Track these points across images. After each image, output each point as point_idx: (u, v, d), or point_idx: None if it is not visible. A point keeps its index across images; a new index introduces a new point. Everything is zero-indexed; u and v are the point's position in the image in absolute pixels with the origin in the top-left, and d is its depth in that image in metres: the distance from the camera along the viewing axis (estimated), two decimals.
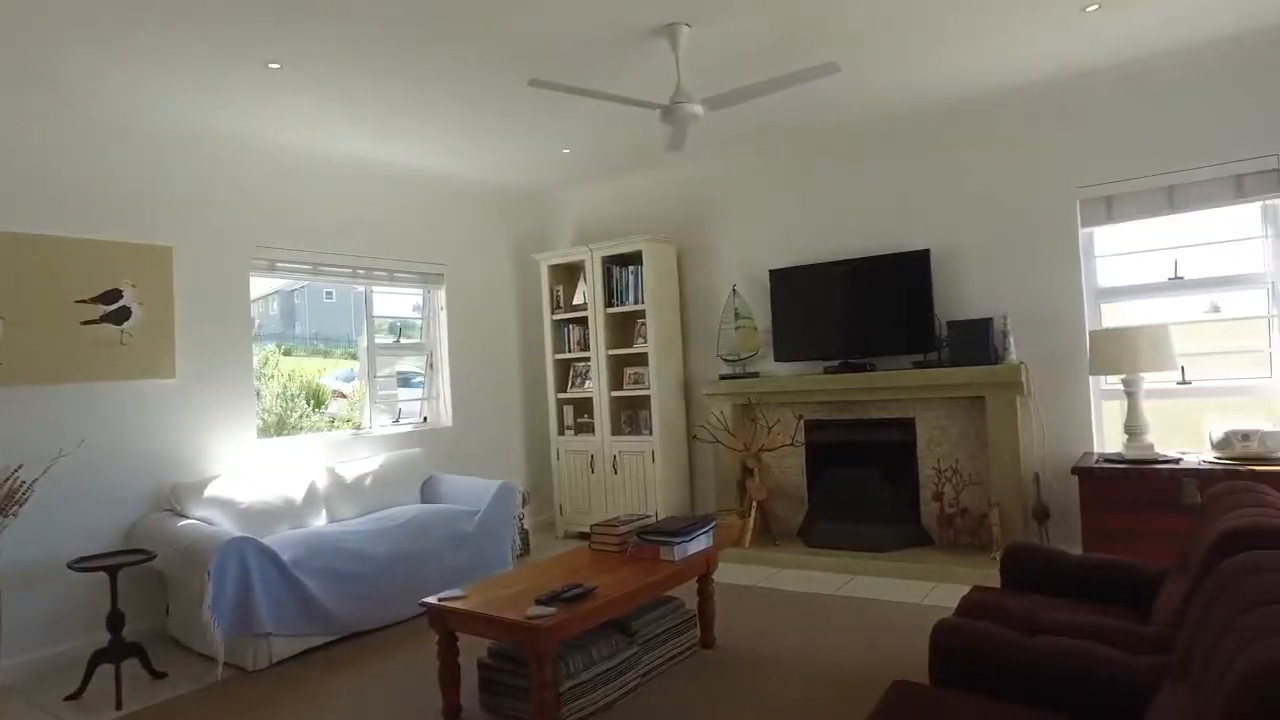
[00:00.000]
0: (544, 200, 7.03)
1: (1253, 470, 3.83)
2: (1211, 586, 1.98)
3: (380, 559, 4.37)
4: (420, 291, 6.26)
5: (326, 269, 5.50)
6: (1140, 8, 3.83)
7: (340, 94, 4.29)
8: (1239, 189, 4.38)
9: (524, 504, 5.83)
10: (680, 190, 6.37)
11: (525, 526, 6.01)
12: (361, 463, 5.24)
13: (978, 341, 4.90)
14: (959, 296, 5.14)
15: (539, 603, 2.98)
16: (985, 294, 5.06)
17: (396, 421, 6.09)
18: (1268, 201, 4.34)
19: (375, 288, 5.90)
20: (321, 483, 4.92)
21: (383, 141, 5.17)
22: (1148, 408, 4.41)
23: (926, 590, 4.53)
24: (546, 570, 3.56)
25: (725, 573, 5.10)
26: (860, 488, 5.43)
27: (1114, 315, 4.89)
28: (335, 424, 6.34)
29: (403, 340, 6.29)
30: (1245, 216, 4.46)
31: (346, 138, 5.05)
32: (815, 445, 5.67)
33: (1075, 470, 4.28)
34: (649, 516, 4.00)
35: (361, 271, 5.72)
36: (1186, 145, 4.49)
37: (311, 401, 7.40)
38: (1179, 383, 4.59)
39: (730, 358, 5.94)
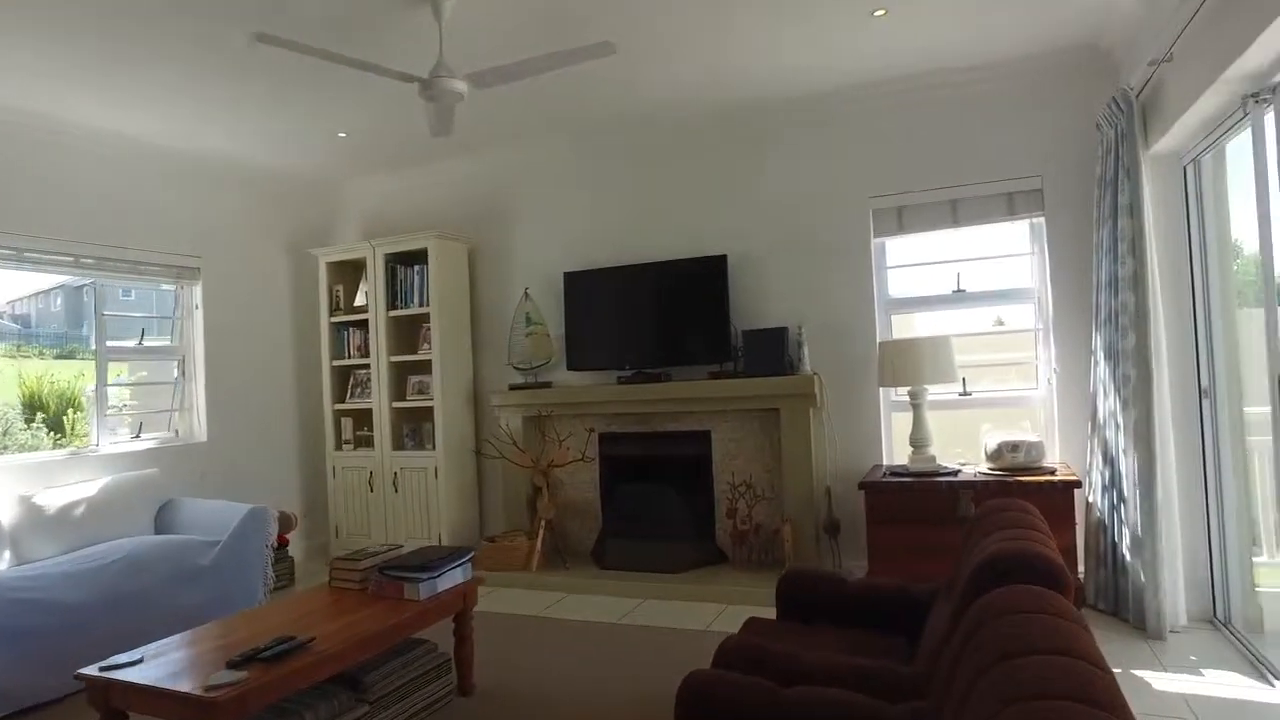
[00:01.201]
0: (325, 190, 6.33)
1: (1019, 481, 3.85)
2: (967, 626, 1.77)
3: (78, 607, 3.59)
4: (171, 287, 5.42)
5: (39, 257, 4.58)
6: (926, 19, 3.77)
7: (57, 43, 3.52)
8: (1010, 207, 4.46)
9: (291, 528, 5.13)
10: (473, 185, 5.89)
11: (290, 554, 5.31)
12: (73, 489, 4.38)
13: (773, 351, 4.74)
14: (756, 305, 4.98)
15: (230, 665, 2.42)
16: (781, 302, 4.92)
17: (137, 437, 5.21)
18: (1034, 220, 4.44)
19: (111, 282, 5.03)
20: (6, 517, 4.04)
21: (108, 106, 4.36)
22: (933, 419, 4.39)
23: (716, 614, 4.29)
24: (272, 615, 2.99)
25: (507, 601, 4.67)
26: (655, 504, 5.15)
27: (904, 326, 4.89)
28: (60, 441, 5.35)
29: (146, 343, 5.41)
30: (1018, 233, 4.56)
31: (65, 99, 4.21)
32: (610, 460, 5.35)
33: (861, 484, 4.18)
34: (399, 547, 3.49)
35: (89, 262, 4.83)
36: (968, 161, 4.53)
37: (42, 414, 6.29)
38: (960, 394, 4.62)
39: (522, 366, 5.52)
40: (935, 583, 2.81)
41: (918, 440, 4.26)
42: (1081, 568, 4.02)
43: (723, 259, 4.93)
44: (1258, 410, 3.36)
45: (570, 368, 5.38)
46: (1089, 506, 3.99)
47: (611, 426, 5.31)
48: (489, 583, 5.02)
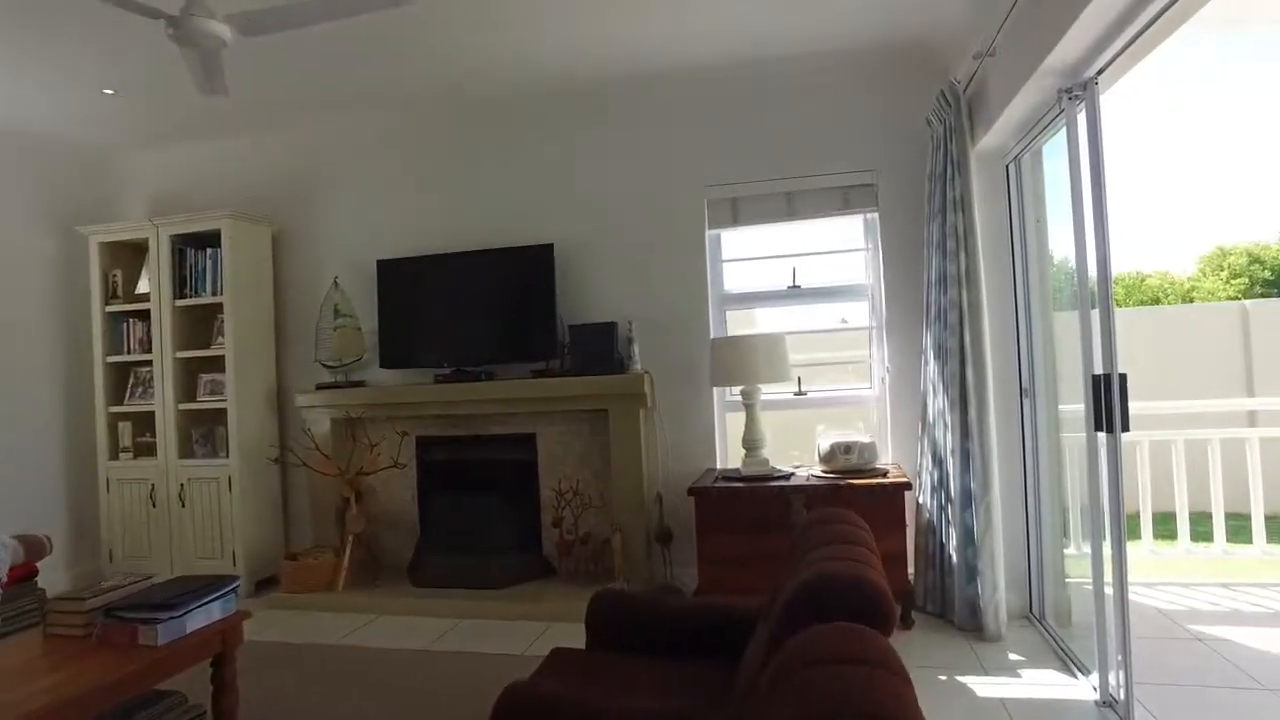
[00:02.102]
0: (97, 160, 5.50)
1: (851, 484, 3.71)
2: (776, 672, 1.49)
3: None
4: None
5: None
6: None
7: None
8: (845, 201, 4.35)
9: (43, 554, 4.34)
10: (277, 161, 5.26)
11: (42, 588, 4.51)
12: None
13: (602, 348, 4.44)
14: (585, 298, 4.66)
15: None
16: (612, 296, 4.62)
17: None
18: (868, 215, 4.36)
19: None
20: None
21: None
22: (769, 420, 4.22)
23: (539, 633, 3.94)
24: None
25: (306, 627, 4.13)
26: (476, 514, 4.73)
27: (744, 322, 4.70)
28: None
29: None
30: (853, 228, 4.46)
31: None
32: (428, 466, 4.89)
33: (690, 491, 3.94)
34: (148, 579, 2.92)
35: None
36: (803, 153, 4.39)
37: None
38: (796, 394, 4.48)
39: (331, 364, 4.95)
40: (760, 599, 2.57)
41: (750, 442, 4.07)
42: (912, 569, 3.94)
43: (549, 248, 4.58)
44: (1072, 408, 3.37)
45: (384, 365, 4.88)
46: (919, 508, 3.92)
47: (430, 430, 4.85)
48: (288, 607, 4.46)
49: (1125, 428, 2.63)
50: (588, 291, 4.66)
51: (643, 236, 4.60)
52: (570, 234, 4.67)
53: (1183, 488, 4.39)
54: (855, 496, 3.66)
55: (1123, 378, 2.63)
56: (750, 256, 4.61)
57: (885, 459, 4.24)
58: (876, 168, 4.29)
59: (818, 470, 3.98)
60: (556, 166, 4.76)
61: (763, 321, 4.75)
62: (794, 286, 4.48)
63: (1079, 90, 2.74)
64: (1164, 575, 4.58)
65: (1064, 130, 2.90)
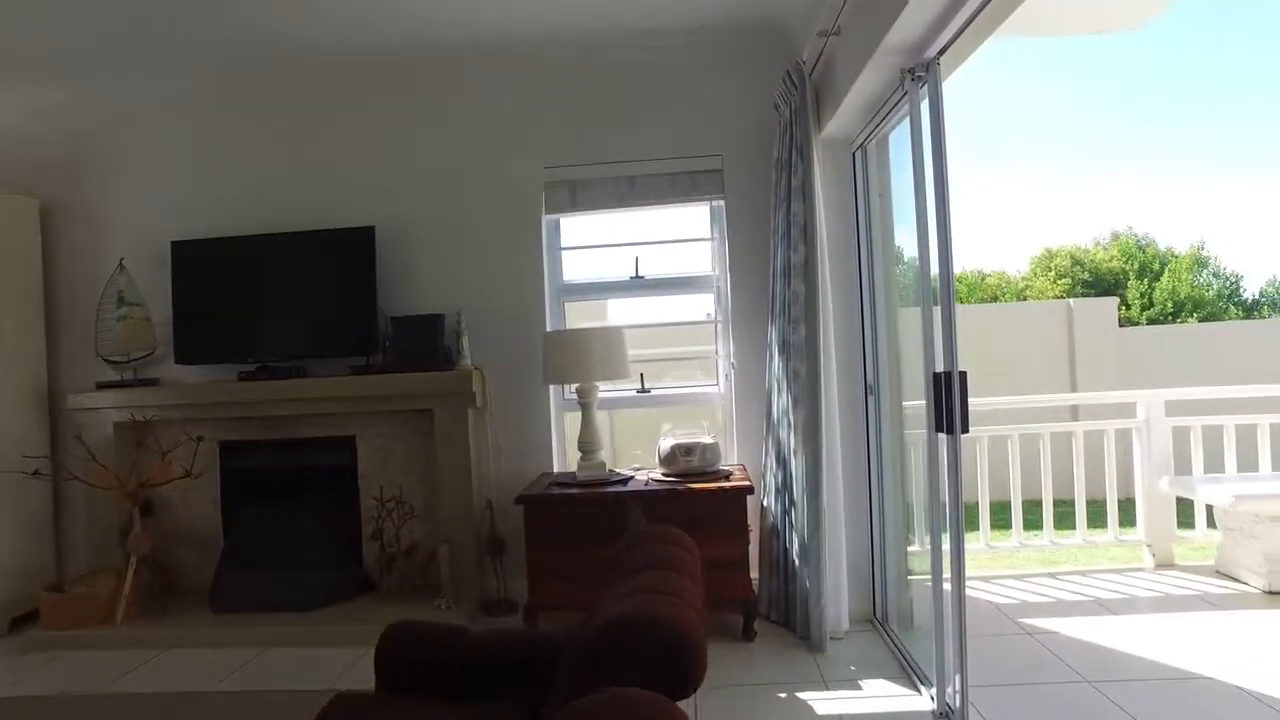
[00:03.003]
0: None
1: (690, 489, 3.48)
2: None
3: None
4: None
5: None
6: None
7: None
8: (690, 187, 4.12)
9: None
10: (48, 124, 4.50)
11: None
12: None
13: (427, 342, 4.03)
14: (409, 287, 4.22)
15: None
16: (439, 285, 4.21)
17: None
18: (714, 202, 4.15)
19: None
20: None
21: None
22: (612, 420, 3.95)
23: (353, 661, 3.49)
24: None
25: (71, 672, 3.53)
26: (289, 527, 4.19)
27: (584, 315, 4.41)
28: None
29: None
30: (699, 216, 4.24)
31: None
32: (233, 474, 4.34)
33: (519, 499, 3.60)
34: None
35: None
36: (647, 135, 4.13)
37: None
38: (639, 391, 4.23)
39: (116, 359, 4.30)
40: (569, 627, 2.27)
41: (586, 445, 3.77)
42: (756, 575, 3.77)
43: (370, 231, 4.13)
44: (916, 404, 3.26)
45: (180, 361, 4.28)
46: (764, 511, 3.75)
47: (235, 434, 4.29)
48: (57, 646, 3.81)
49: (965, 428, 2.50)
50: (413, 280, 4.23)
51: (474, 221, 4.22)
52: (394, 216, 4.22)
53: (1017, 481, 4.45)
54: (695, 501, 3.44)
55: (963, 375, 2.50)
56: (591, 245, 4.32)
57: (731, 460, 4.05)
58: (724, 153, 4.08)
59: (659, 474, 3.73)
60: (380, 142, 4.29)
61: (613, 315, 4.48)
62: (637, 277, 4.22)
63: (921, 70, 2.59)
64: (1000, 568, 4.64)
65: (911, 117, 2.75)
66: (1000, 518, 4.63)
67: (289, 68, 4.26)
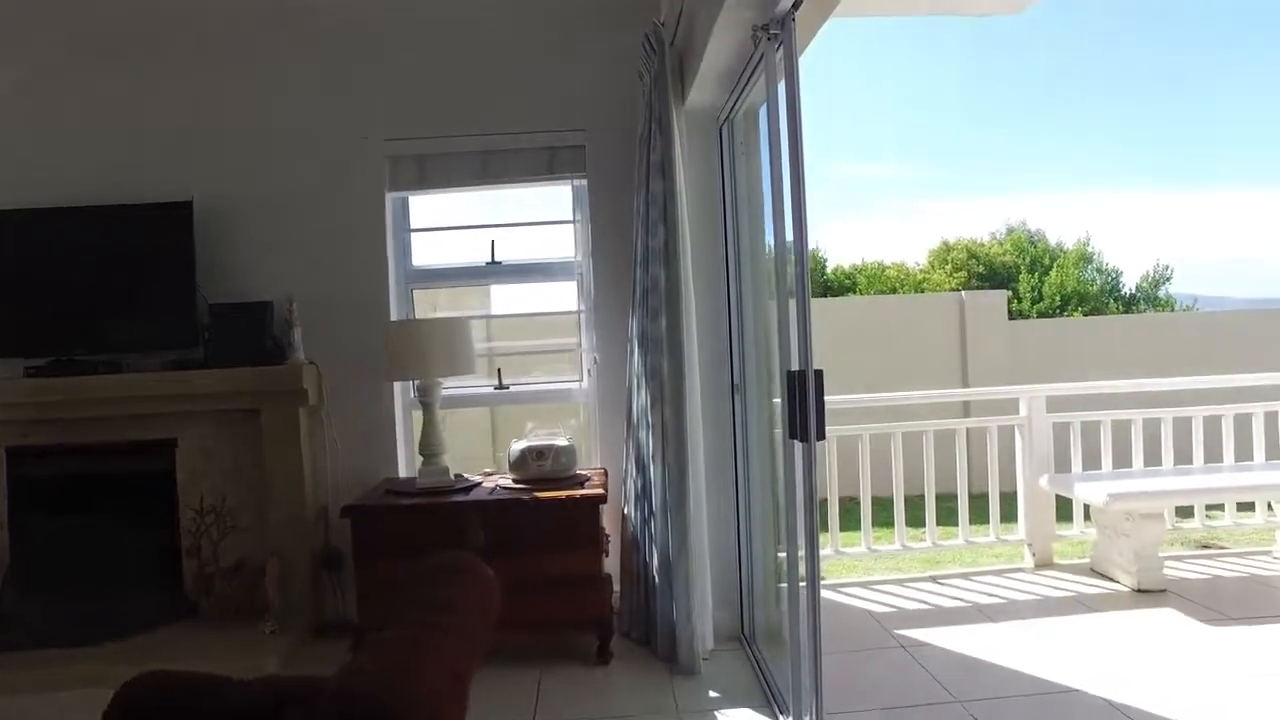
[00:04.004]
0: None
1: (536, 498, 3.13)
2: None
3: None
4: None
5: None
6: None
7: None
8: (550, 164, 3.76)
9: None
10: None
11: None
12: None
13: (251, 333, 3.57)
14: (234, 271, 3.72)
15: None
16: (268, 269, 3.72)
17: None
18: (576, 182, 3.79)
19: None
20: None
21: None
22: (467, 419, 3.57)
23: None
24: None
25: None
26: (92, 545, 3.66)
27: (433, 305, 4.01)
28: None
29: None
30: (561, 196, 3.89)
31: None
32: (25, 485, 3.76)
33: (345, 510, 3.19)
34: None
35: None
36: (505, 106, 3.74)
37: None
38: (497, 388, 3.86)
39: None
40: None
41: (428, 448, 3.38)
42: (618, 588, 3.46)
43: (187, 207, 3.62)
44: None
45: None
46: (624, 520, 3.44)
47: (26, 438, 3.72)
48: None
49: (821, 434, 2.22)
50: (239, 263, 3.73)
51: (309, 198, 3.75)
52: (217, 190, 3.71)
53: (900, 481, 4.26)
54: (541, 511, 3.09)
55: (818, 375, 2.21)
56: (442, 226, 3.92)
57: (594, 463, 3.73)
58: (588, 127, 3.73)
59: (509, 480, 3.37)
60: (200, 106, 3.76)
61: (475, 305, 4.10)
62: (493, 263, 3.84)
63: (775, 28, 2.28)
64: (883, 571, 4.47)
65: (768, 83, 2.45)
66: (884, 515, 4.45)
67: (94, 21, 3.70)
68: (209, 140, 3.76)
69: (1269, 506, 4.31)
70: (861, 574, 4.42)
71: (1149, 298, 14.64)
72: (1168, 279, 14.84)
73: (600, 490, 3.15)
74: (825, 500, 4.19)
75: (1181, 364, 6.01)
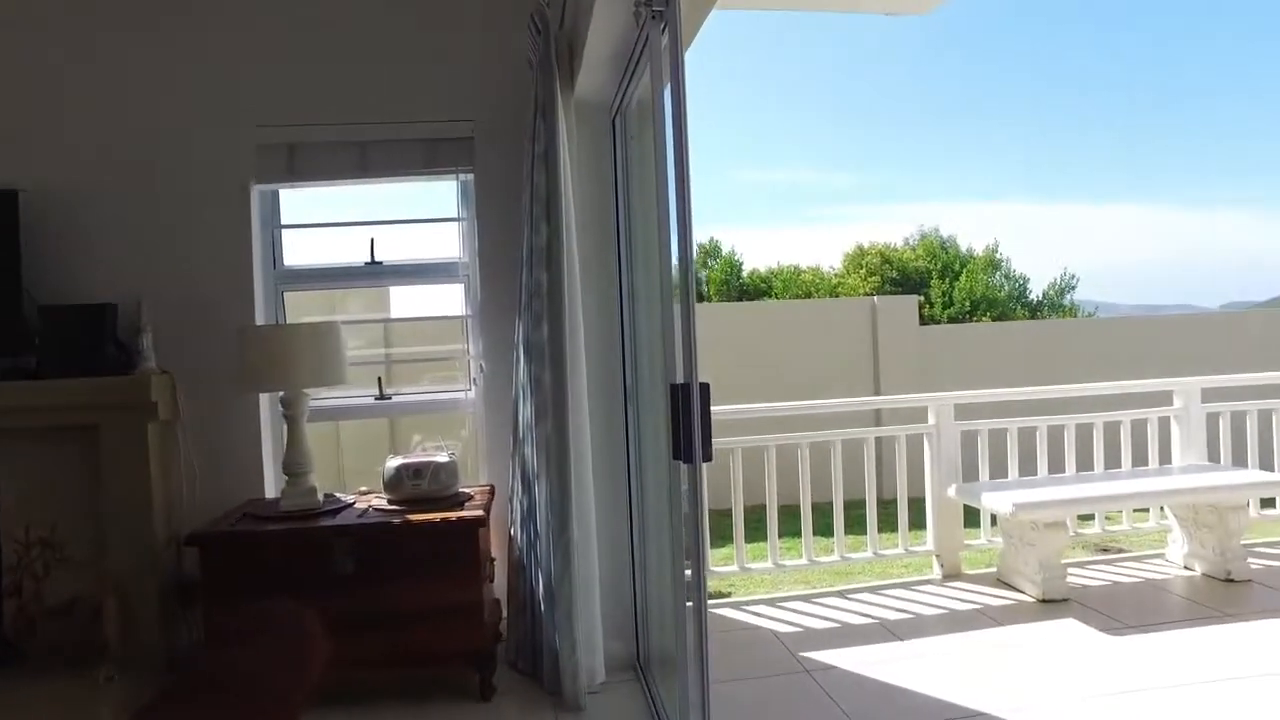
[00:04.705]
0: None
1: (409, 521, 2.83)
2: None
3: None
4: None
5: None
6: None
7: None
8: (434, 157, 3.47)
9: None
10: None
11: None
12: None
13: (90, 339, 3.16)
14: (69, 270, 3.29)
15: None
16: (113, 266, 3.31)
17: None
18: (463, 176, 3.51)
19: None
20: None
21: None
22: (361, 431, 3.25)
23: None
24: None
25: None
26: None
27: (305, 309, 3.67)
28: None
29: None
30: (447, 192, 3.60)
31: None
32: None
33: (190, 538, 2.84)
34: None
35: None
36: (385, 93, 3.43)
37: None
38: (377, 398, 3.55)
39: None
40: None
41: (292, 466, 3.04)
42: (506, 614, 3.20)
43: (12, 196, 3.19)
44: None
45: None
46: (511, 542, 3.17)
47: None
48: None
49: (707, 455, 2.01)
50: (77, 260, 3.31)
51: (162, 188, 3.37)
52: (50, 178, 3.29)
53: (807, 493, 4.11)
54: (414, 535, 2.80)
55: (704, 388, 2.01)
56: (315, 223, 3.60)
57: (482, 479, 3.45)
58: (476, 118, 3.45)
59: (384, 500, 3.06)
60: (29, 79, 3.35)
61: (352, 309, 3.78)
62: (373, 262, 3.53)
63: (659, 4, 2.07)
64: (791, 586, 4.32)
65: (652, 69, 2.24)
66: (791, 526, 4.30)
67: None
68: (45, 120, 3.34)
69: (1161, 510, 4.34)
70: (769, 589, 4.26)
71: (1054, 304, 15.08)
72: (1073, 287, 15.35)
73: (480, 512, 2.88)
74: (730, 511, 4.02)
75: (1084, 369, 6.10)
